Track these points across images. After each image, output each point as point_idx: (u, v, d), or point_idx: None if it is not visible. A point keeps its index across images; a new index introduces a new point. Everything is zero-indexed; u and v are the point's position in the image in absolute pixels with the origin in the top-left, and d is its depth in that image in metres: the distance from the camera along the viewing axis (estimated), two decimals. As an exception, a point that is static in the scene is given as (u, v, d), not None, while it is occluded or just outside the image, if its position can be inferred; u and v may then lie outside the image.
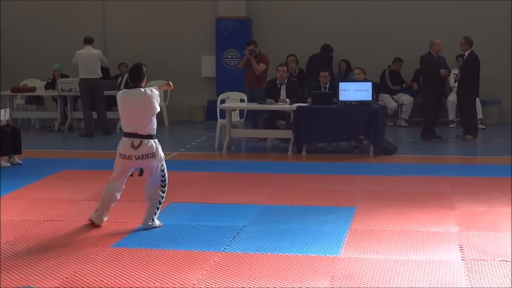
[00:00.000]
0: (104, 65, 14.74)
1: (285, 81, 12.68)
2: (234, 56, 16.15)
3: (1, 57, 17.23)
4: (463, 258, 6.33)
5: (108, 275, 5.95)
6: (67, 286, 5.72)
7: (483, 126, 14.49)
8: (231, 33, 16.22)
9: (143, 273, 6.00)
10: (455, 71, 13.65)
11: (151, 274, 5.96)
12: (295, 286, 5.68)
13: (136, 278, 5.88)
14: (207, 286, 5.70)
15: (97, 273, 6.01)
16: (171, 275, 5.94)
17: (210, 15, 16.48)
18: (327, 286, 5.69)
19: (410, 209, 8.05)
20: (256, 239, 6.95)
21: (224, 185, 9.48)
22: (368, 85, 12.14)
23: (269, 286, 5.69)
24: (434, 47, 13.26)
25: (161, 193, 7.39)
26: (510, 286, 5.66)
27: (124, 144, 7.29)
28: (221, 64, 16.35)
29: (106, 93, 14.51)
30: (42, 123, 15.88)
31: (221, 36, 16.29)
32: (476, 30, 15.05)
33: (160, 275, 5.94)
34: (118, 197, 7.50)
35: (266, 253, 6.49)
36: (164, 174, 7.39)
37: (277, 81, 12.72)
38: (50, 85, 15.54)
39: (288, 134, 12.21)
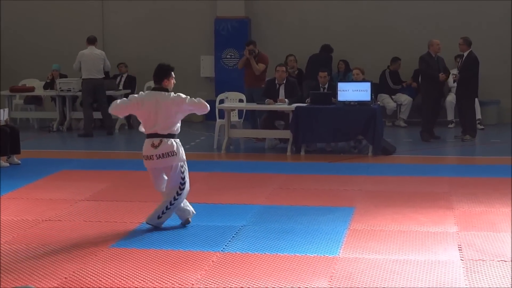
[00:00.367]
0: (107, 70, 14.70)
1: (284, 81, 12.68)
2: (233, 56, 16.15)
3: (0, 57, 17.22)
4: (462, 258, 6.33)
5: (107, 275, 5.95)
6: (66, 286, 5.72)
7: (482, 127, 14.49)
8: (230, 33, 16.22)
9: (142, 273, 6.00)
10: (454, 71, 13.65)
11: (150, 274, 5.96)
12: (294, 286, 5.68)
13: (135, 278, 5.88)
14: (206, 286, 5.70)
15: (96, 273, 6.01)
16: (169, 275, 5.94)
17: (209, 15, 16.48)
18: (325, 286, 5.69)
19: (409, 209, 8.05)
20: (255, 239, 6.95)
21: (223, 185, 9.48)
22: (367, 85, 12.14)
23: (268, 286, 5.69)
24: (433, 47, 13.26)
25: (175, 194, 7.30)
26: (510, 286, 5.66)
27: (145, 145, 7.26)
28: (220, 64, 16.35)
29: (106, 93, 14.49)
30: (41, 123, 15.87)
31: (220, 36, 16.29)
32: (475, 30, 15.05)
33: (159, 275, 5.93)
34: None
35: (265, 253, 6.49)
36: (184, 177, 7.32)
37: (276, 81, 12.72)
38: (49, 85, 15.52)
39: (286, 134, 12.21)
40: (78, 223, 7.61)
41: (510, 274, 5.90)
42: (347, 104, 12.02)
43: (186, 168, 7.39)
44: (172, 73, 7.34)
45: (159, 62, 7.53)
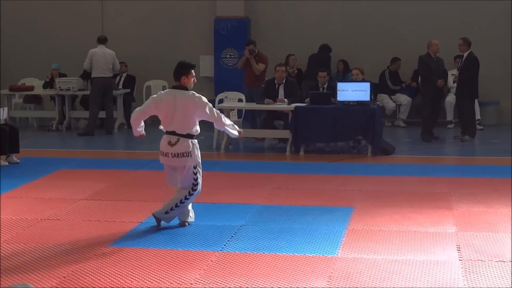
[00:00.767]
0: (116, 69, 14.63)
1: (283, 81, 12.68)
2: (232, 56, 16.15)
3: (0, 56, 17.22)
4: (461, 259, 6.33)
5: (105, 275, 5.95)
6: (64, 285, 5.72)
7: (481, 127, 14.49)
8: (229, 33, 16.22)
9: (140, 272, 6.00)
10: (454, 71, 13.65)
11: (149, 274, 5.96)
12: (292, 286, 5.68)
13: (134, 278, 5.88)
14: (205, 286, 5.70)
15: (94, 272, 6.01)
16: (168, 274, 5.94)
17: (208, 15, 16.48)
18: (324, 286, 5.69)
19: (408, 209, 8.05)
20: (254, 239, 6.95)
21: (222, 185, 9.48)
22: (366, 85, 12.14)
23: (267, 286, 5.69)
24: (432, 47, 13.26)
25: (187, 194, 7.27)
26: (510, 286, 5.66)
27: (163, 141, 7.24)
28: (219, 64, 16.34)
29: (106, 92, 14.52)
30: (40, 122, 15.88)
31: (220, 36, 16.29)
32: (475, 30, 15.06)
33: (158, 275, 5.93)
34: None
35: (263, 253, 6.49)
36: (197, 178, 7.27)
37: (276, 81, 12.72)
38: (48, 84, 15.52)
39: (286, 134, 12.21)
40: (77, 222, 7.61)
41: (509, 274, 5.90)
42: (347, 104, 12.02)
43: (200, 170, 7.33)
44: (193, 71, 7.23)
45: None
